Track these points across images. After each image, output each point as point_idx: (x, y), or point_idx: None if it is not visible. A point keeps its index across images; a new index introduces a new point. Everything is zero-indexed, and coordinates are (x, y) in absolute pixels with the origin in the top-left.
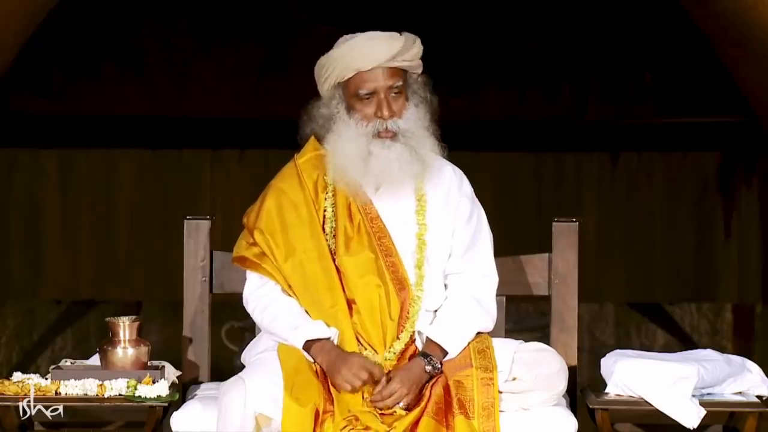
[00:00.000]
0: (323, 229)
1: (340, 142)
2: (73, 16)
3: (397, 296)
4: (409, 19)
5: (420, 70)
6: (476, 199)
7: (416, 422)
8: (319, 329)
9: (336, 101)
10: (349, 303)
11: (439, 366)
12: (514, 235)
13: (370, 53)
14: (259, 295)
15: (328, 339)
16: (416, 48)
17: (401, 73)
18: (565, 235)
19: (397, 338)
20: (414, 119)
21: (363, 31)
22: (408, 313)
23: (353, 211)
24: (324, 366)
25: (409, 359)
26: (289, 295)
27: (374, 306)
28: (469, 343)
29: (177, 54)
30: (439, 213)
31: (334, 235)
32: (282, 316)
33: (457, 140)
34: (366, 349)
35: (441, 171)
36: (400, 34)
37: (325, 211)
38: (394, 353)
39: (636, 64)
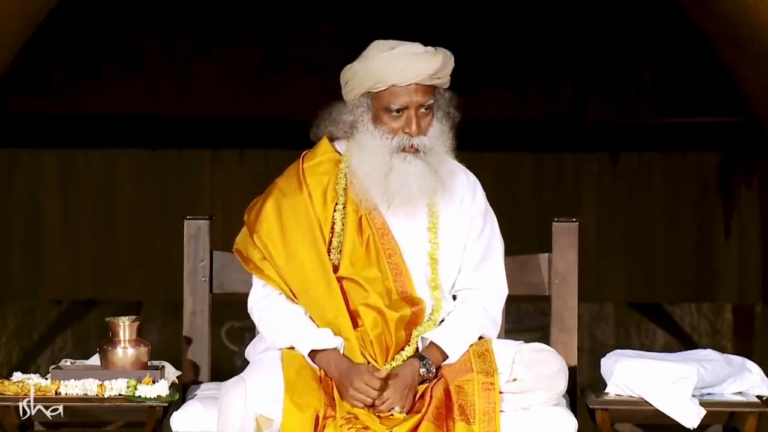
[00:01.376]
0: (330, 242)
1: (361, 153)
2: (73, 16)
3: (409, 311)
4: (409, 20)
5: (447, 85)
6: (489, 209)
7: (416, 427)
8: (325, 339)
9: (363, 110)
10: (353, 316)
11: (434, 369)
12: (514, 235)
13: (410, 70)
14: (265, 305)
15: (335, 349)
16: (451, 65)
17: (433, 90)
18: (565, 235)
19: (400, 352)
20: (437, 136)
21: (363, 31)
22: (415, 331)
23: (363, 226)
24: (333, 380)
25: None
26: (294, 302)
27: (377, 322)
28: (469, 347)
29: (177, 54)
30: (451, 229)
31: (340, 250)
32: (288, 327)
33: (458, 140)
34: (368, 362)
35: (454, 182)
36: (436, 50)
37: (333, 224)
38: (392, 367)
39: (636, 64)
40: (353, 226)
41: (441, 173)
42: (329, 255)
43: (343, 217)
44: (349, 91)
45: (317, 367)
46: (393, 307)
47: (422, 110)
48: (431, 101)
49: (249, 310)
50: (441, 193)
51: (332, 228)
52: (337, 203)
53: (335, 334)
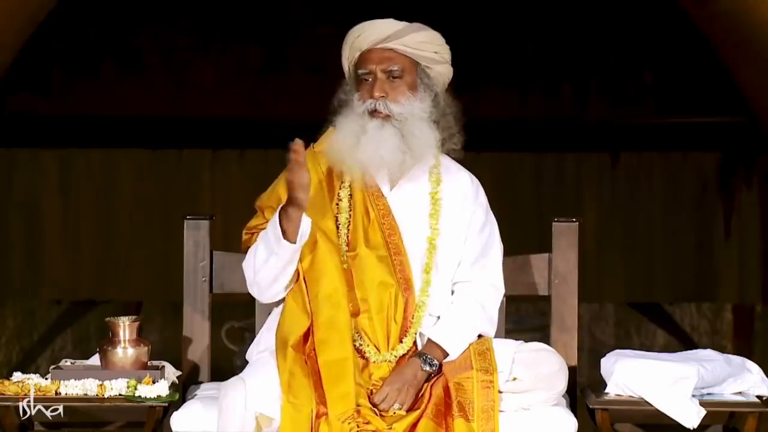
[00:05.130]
0: (336, 219)
1: (341, 121)
2: (73, 16)
3: (402, 296)
4: (409, 20)
5: (440, 68)
6: (490, 210)
7: (415, 423)
8: (275, 220)
9: (350, 85)
10: (359, 299)
11: (437, 364)
12: (514, 235)
13: (367, 34)
14: (249, 253)
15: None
16: (421, 36)
17: (402, 58)
18: (565, 235)
19: (401, 342)
20: (411, 106)
21: None
22: (412, 317)
23: (368, 205)
24: (289, 212)
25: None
26: None
27: (384, 305)
28: (470, 345)
29: (177, 54)
30: (453, 219)
31: (348, 227)
32: (259, 245)
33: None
34: (368, 346)
35: (458, 177)
36: (411, 24)
37: (339, 201)
38: (395, 356)
39: (636, 64)
40: (361, 206)
41: (413, 144)
42: (337, 231)
43: (350, 195)
44: (345, 70)
45: (308, 365)
46: (396, 290)
47: (390, 77)
48: (395, 67)
49: (248, 284)
50: (444, 181)
51: (337, 205)
52: (343, 182)
53: (327, 309)
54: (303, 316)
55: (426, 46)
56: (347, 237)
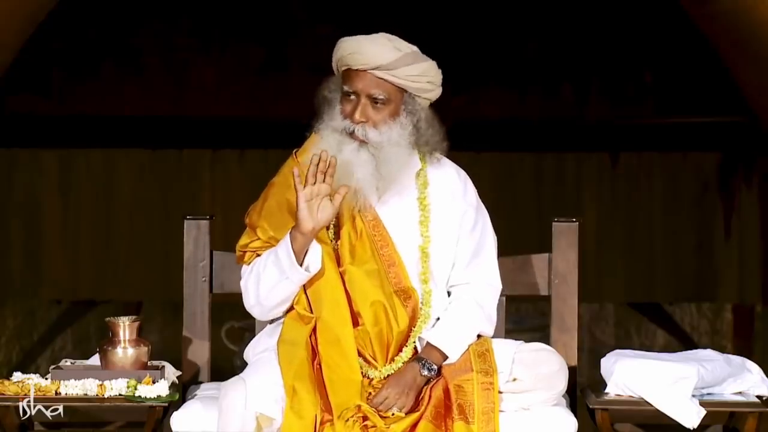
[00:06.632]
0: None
1: (323, 128)
2: (73, 16)
3: (403, 308)
4: (409, 19)
5: (429, 95)
6: (481, 204)
7: (414, 425)
8: (287, 243)
9: (336, 87)
10: (353, 313)
11: (436, 368)
12: (514, 235)
13: (359, 56)
14: (249, 272)
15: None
16: (413, 69)
17: (389, 87)
18: (565, 235)
19: (399, 353)
20: (390, 133)
21: (363, 32)
22: (414, 327)
23: (356, 218)
24: (297, 237)
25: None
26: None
27: (379, 319)
28: (469, 346)
29: (177, 54)
30: (443, 223)
31: (337, 241)
32: (268, 266)
33: (457, 140)
34: (366, 365)
35: (445, 175)
36: (408, 48)
37: None
38: (395, 369)
39: (636, 64)
40: (348, 218)
41: (384, 172)
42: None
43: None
44: (334, 68)
45: (313, 367)
46: (392, 304)
47: (375, 103)
48: (382, 96)
49: (243, 295)
50: (431, 184)
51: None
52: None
53: (333, 324)
54: (307, 328)
55: (418, 78)
56: (337, 253)
